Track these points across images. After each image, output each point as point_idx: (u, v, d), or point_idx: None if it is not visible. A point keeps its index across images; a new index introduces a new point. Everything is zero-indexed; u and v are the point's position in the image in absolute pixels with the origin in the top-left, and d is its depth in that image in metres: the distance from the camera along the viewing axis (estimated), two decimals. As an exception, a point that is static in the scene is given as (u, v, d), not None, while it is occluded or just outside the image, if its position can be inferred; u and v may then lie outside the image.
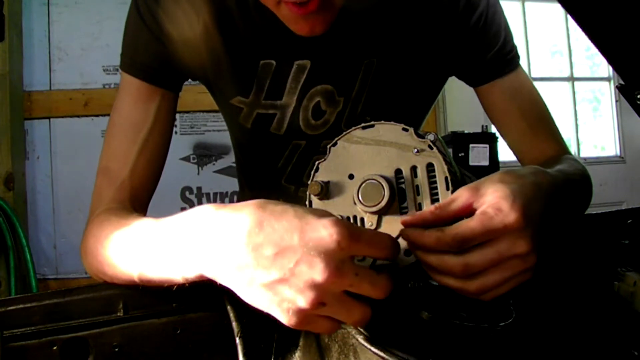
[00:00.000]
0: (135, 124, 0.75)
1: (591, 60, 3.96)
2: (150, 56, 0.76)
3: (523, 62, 0.87)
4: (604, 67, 3.94)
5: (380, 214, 0.51)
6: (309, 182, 0.53)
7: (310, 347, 0.54)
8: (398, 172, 0.51)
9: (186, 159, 2.85)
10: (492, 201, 0.46)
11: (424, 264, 0.48)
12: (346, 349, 0.50)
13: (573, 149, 3.74)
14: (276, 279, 0.40)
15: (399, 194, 0.51)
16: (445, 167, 0.50)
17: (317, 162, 0.54)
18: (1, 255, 2.26)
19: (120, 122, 0.76)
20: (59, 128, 2.73)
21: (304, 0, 0.59)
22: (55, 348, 0.55)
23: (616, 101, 3.84)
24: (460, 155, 2.83)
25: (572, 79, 3.87)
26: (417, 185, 0.51)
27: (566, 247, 0.68)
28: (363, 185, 0.51)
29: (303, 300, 0.40)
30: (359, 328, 0.48)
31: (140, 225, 0.57)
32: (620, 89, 0.62)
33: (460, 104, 3.18)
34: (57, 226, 2.71)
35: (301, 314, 0.41)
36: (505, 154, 2.86)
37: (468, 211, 0.47)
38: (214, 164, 2.88)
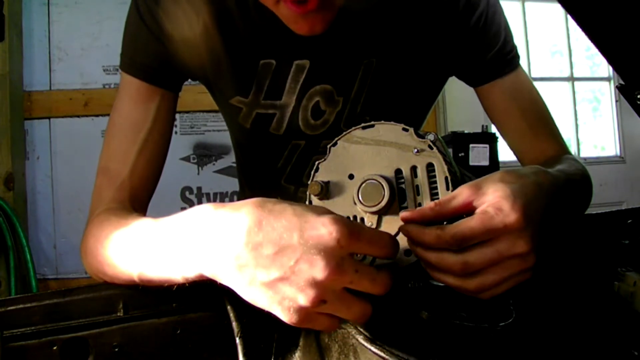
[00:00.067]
0: (135, 124, 0.75)
1: (591, 60, 3.96)
2: (150, 56, 0.76)
3: (523, 62, 0.87)
4: (604, 67, 3.94)
5: (380, 214, 0.51)
6: (309, 182, 0.53)
7: (310, 347, 0.54)
8: (398, 172, 0.51)
9: (186, 159, 2.84)
10: (493, 200, 0.46)
11: (423, 262, 0.48)
12: (346, 349, 0.50)
13: (573, 149, 3.74)
14: (276, 278, 0.40)
15: (399, 194, 0.51)
16: (445, 167, 0.50)
17: (317, 162, 0.54)
18: (1, 255, 2.26)
19: (120, 122, 0.76)
20: (59, 128, 2.73)
21: None
22: (55, 348, 0.55)
23: (616, 101, 3.84)
24: (460, 155, 2.83)
25: (572, 79, 3.87)
26: (417, 185, 0.51)
27: (566, 247, 0.68)
28: (363, 185, 0.51)
29: (304, 298, 0.40)
30: (359, 328, 0.48)
31: (140, 225, 0.57)
32: (620, 89, 0.62)
33: (460, 104, 3.18)
34: (57, 226, 2.71)
35: (302, 311, 0.41)
36: (505, 154, 2.86)
37: (468, 209, 0.47)
38: (214, 164, 2.88)
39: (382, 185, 0.50)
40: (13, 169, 2.50)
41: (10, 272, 2.25)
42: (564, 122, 3.75)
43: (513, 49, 0.84)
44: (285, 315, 0.41)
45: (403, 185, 0.51)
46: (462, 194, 0.48)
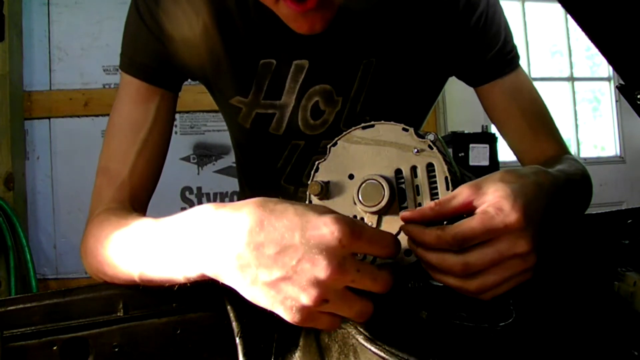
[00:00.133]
0: (134, 124, 0.75)
1: (591, 60, 3.96)
2: (149, 56, 0.76)
3: (523, 62, 0.87)
4: (604, 67, 3.94)
5: (380, 214, 0.51)
6: (309, 182, 0.53)
7: (310, 347, 0.54)
8: (398, 172, 0.51)
9: (186, 159, 2.84)
10: (493, 200, 0.46)
11: (424, 262, 0.48)
12: (346, 349, 0.50)
13: (573, 149, 3.74)
14: (279, 278, 0.40)
15: (399, 194, 0.51)
16: (445, 167, 0.50)
17: (317, 162, 0.54)
18: (1, 255, 2.26)
19: (119, 122, 0.76)
20: (59, 128, 2.73)
21: None
22: (55, 348, 0.55)
23: (616, 101, 3.84)
24: (460, 155, 2.83)
25: (572, 79, 3.87)
26: (417, 185, 0.51)
27: (566, 247, 0.68)
28: (363, 185, 0.51)
29: (306, 298, 0.40)
30: (359, 328, 0.48)
31: (141, 225, 0.57)
32: (620, 89, 0.62)
33: (460, 104, 3.18)
34: (57, 226, 2.71)
35: (305, 311, 0.41)
36: (505, 154, 2.86)
37: (468, 209, 0.47)
38: (214, 164, 2.88)
39: (382, 185, 0.50)
40: (13, 169, 2.50)
41: (10, 272, 2.25)
42: (564, 122, 3.75)
43: (513, 49, 0.83)
44: (288, 315, 0.42)
45: (403, 185, 0.51)
46: (462, 193, 0.48)
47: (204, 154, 2.86)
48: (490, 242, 0.46)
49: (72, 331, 0.56)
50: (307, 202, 0.54)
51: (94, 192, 0.75)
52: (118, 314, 0.57)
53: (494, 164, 2.87)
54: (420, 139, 0.51)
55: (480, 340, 0.50)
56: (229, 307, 0.56)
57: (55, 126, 2.73)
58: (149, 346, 0.58)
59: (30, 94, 2.69)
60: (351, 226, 0.41)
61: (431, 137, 0.51)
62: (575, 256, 0.70)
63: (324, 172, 0.53)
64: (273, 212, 0.42)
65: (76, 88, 2.75)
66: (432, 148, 0.51)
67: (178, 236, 0.49)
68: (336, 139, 0.54)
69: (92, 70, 2.76)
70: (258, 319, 0.54)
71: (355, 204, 0.51)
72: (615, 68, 0.61)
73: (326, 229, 0.40)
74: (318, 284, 0.40)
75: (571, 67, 3.87)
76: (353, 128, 0.53)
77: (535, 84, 0.89)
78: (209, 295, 0.56)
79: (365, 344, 0.47)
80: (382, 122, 0.53)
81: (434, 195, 0.50)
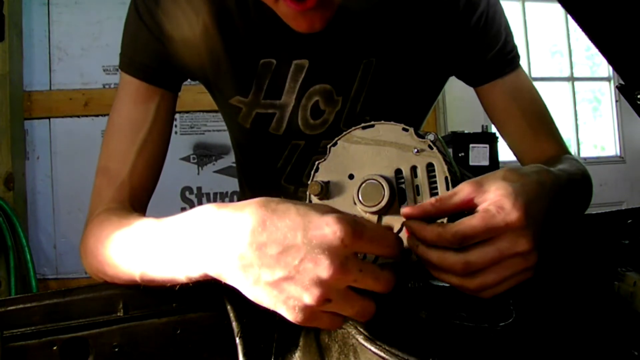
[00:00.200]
0: (134, 124, 0.75)
1: (591, 60, 3.96)
2: (149, 56, 0.76)
3: (523, 62, 0.87)
4: (604, 67, 3.94)
5: (380, 214, 0.51)
6: (309, 182, 0.53)
7: (310, 347, 0.54)
8: (398, 172, 0.51)
9: (186, 159, 2.84)
10: (495, 199, 0.46)
11: (424, 261, 0.48)
12: (346, 349, 0.50)
13: (573, 149, 3.74)
14: (281, 277, 0.40)
15: (399, 194, 0.51)
16: (445, 167, 0.50)
17: (317, 162, 0.54)
18: (1, 255, 2.26)
19: (119, 122, 0.76)
20: (59, 128, 2.73)
21: None
22: (55, 348, 0.55)
23: (616, 101, 3.84)
24: (460, 155, 2.83)
25: (572, 79, 3.87)
26: (417, 185, 0.51)
27: (566, 247, 0.68)
28: (363, 185, 0.51)
29: (309, 297, 0.40)
30: (359, 328, 0.48)
31: (142, 225, 0.57)
32: (620, 89, 0.62)
33: (460, 104, 3.18)
34: (57, 226, 2.71)
35: (307, 310, 0.41)
36: (505, 154, 2.86)
37: (469, 206, 0.47)
38: (214, 164, 2.88)
39: (382, 185, 0.50)
40: (13, 169, 2.50)
41: (10, 272, 2.25)
42: (564, 122, 3.75)
43: (513, 49, 0.83)
44: (291, 314, 0.42)
45: (403, 185, 0.51)
46: (464, 190, 0.48)
47: (204, 154, 2.86)
48: (491, 240, 0.46)
49: (72, 331, 0.56)
50: (307, 202, 0.54)
51: (93, 192, 0.75)
52: (118, 314, 0.57)
53: (494, 164, 2.87)
54: (420, 139, 0.51)
55: (480, 340, 0.50)
56: (229, 307, 0.56)
57: (55, 126, 2.73)
58: (149, 346, 0.58)
59: (30, 94, 2.69)
60: (353, 226, 0.41)
61: (431, 137, 0.51)
62: (575, 256, 0.70)
63: (324, 172, 0.53)
64: (275, 212, 0.42)
65: (76, 88, 2.75)
66: (432, 148, 0.51)
67: (180, 236, 0.49)
68: (336, 138, 0.54)
69: (92, 70, 2.76)
70: (258, 319, 0.54)
71: (355, 204, 0.51)
72: (615, 68, 0.61)
73: (328, 229, 0.40)
74: (320, 283, 0.40)
75: (571, 67, 3.87)
76: (353, 128, 0.53)
77: (535, 84, 0.89)
78: (209, 295, 0.56)
79: (365, 343, 0.47)
80: (382, 122, 0.53)
81: (434, 195, 0.50)
